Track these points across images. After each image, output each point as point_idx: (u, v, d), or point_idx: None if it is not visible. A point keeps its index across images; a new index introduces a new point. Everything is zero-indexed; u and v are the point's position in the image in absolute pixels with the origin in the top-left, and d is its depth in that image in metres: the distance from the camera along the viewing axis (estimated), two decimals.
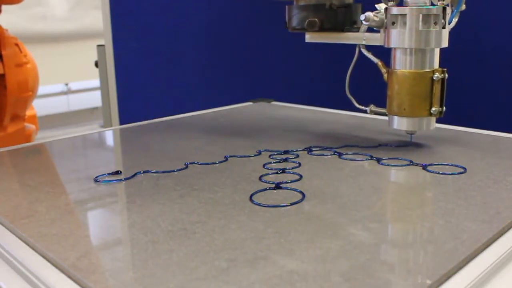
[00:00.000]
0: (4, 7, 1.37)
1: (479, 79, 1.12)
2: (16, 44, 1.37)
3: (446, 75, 0.62)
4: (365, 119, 0.85)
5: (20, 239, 0.41)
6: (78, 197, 0.50)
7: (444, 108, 0.63)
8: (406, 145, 0.67)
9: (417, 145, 0.66)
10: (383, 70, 0.66)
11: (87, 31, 3.18)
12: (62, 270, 0.36)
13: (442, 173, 0.55)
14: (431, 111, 0.62)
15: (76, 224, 0.43)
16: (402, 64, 0.62)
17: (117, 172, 0.57)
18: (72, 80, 3.36)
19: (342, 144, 0.67)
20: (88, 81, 3.28)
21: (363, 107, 0.70)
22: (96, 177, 0.55)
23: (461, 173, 0.55)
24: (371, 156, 0.62)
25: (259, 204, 0.46)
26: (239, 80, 1.35)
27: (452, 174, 0.55)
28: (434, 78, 0.61)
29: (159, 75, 1.34)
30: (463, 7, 0.63)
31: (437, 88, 0.62)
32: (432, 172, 0.55)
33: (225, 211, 0.45)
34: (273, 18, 1.33)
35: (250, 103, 1.02)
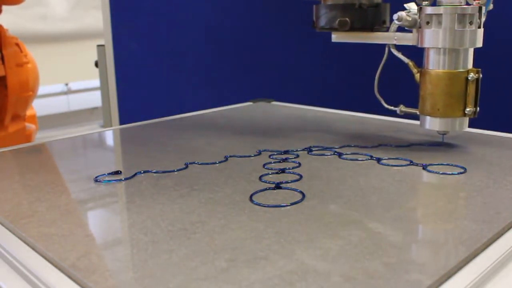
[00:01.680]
0: (4, 7, 1.37)
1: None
2: (17, 44, 1.37)
3: (481, 75, 0.62)
4: (365, 119, 0.85)
5: (20, 239, 0.41)
6: (78, 197, 0.50)
7: (478, 108, 0.62)
8: (407, 145, 0.67)
9: (417, 145, 0.66)
10: (414, 70, 0.65)
11: (87, 31, 3.18)
12: (62, 270, 0.36)
13: (442, 173, 0.55)
14: (466, 111, 0.62)
15: (76, 224, 0.43)
16: (436, 64, 0.62)
17: (117, 172, 0.57)
18: (72, 80, 3.36)
19: (342, 144, 0.67)
20: (88, 81, 3.28)
21: (392, 108, 0.69)
22: (96, 177, 0.55)
23: (461, 173, 0.55)
24: (371, 156, 0.62)
25: (259, 204, 0.46)
26: (239, 80, 1.35)
27: (452, 174, 0.55)
28: (469, 78, 0.61)
29: (159, 75, 1.34)
30: (491, 6, 0.62)
31: (471, 88, 0.61)
32: (432, 172, 0.55)
33: (225, 211, 0.45)
34: (273, 18, 1.33)
35: (250, 103, 1.02)
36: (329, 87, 1.37)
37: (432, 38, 0.61)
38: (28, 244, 0.40)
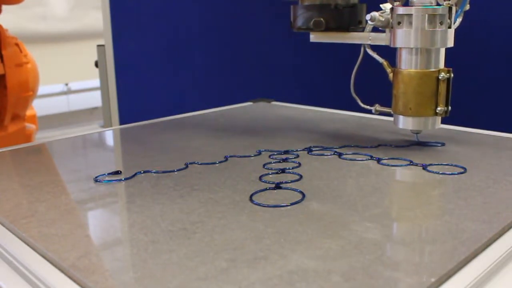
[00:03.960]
0: (4, 7, 1.36)
1: (479, 79, 1.12)
2: (16, 44, 1.37)
3: (452, 75, 0.62)
4: (365, 119, 0.85)
5: (20, 239, 0.41)
6: (78, 197, 0.50)
7: (450, 107, 0.63)
8: (406, 145, 0.67)
9: (417, 145, 0.66)
10: (388, 70, 0.66)
11: (87, 31, 3.18)
12: (62, 270, 0.36)
13: (442, 173, 0.55)
14: (437, 111, 0.63)
15: (76, 224, 0.43)
16: (408, 64, 0.63)
17: (117, 172, 0.57)
18: (72, 80, 3.36)
19: (342, 144, 0.67)
20: (88, 81, 3.28)
21: (367, 107, 0.70)
22: (96, 177, 0.55)
23: (461, 173, 0.55)
24: (371, 156, 0.61)
25: (259, 204, 0.46)
26: (239, 80, 1.35)
27: (452, 174, 0.55)
28: (440, 77, 0.62)
29: (159, 75, 1.34)
30: (467, 7, 0.63)
31: (442, 88, 0.62)
32: (432, 172, 0.55)
33: (225, 211, 0.45)
34: (273, 18, 1.33)
35: (250, 103, 1.02)
36: (329, 87, 1.37)
37: (404, 38, 0.62)
38: (28, 244, 0.40)
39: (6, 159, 0.65)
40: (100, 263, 0.36)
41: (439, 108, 0.63)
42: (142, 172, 0.57)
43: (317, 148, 0.66)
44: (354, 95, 0.71)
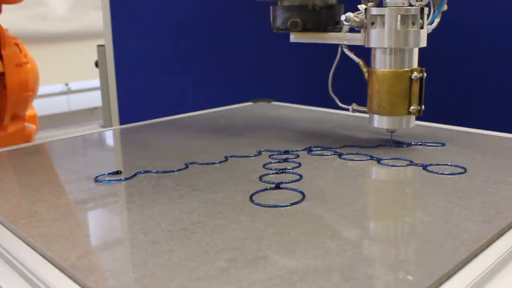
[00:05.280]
0: (4, 6, 1.36)
1: (479, 79, 1.12)
2: (16, 44, 1.37)
3: (425, 74, 0.63)
4: (365, 119, 0.85)
5: (20, 239, 0.41)
6: (78, 197, 0.50)
7: (423, 106, 0.64)
8: (406, 145, 0.67)
9: (417, 145, 0.66)
10: (364, 69, 0.67)
11: (87, 31, 3.18)
12: (62, 270, 0.36)
13: (442, 173, 0.55)
14: (410, 110, 0.63)
15: (76, 224, 0.43)
16: (381, 64, 0.63)
17: (117, 172, 0.57)
18: (72, 80, 3.36)
19: (342, 144, 0.67)
20: (88, 81, 3.28)
21: (345, 106, 0.71)
22: (96, 177, 0.55)
23: (461, 173, 0.55)
24: (371, 156, 0.62)
25: (259, 204, 0.46)
26: (239, 80, 1.35)
27: (452, 174, 0.55)
28: (413, 77, 0.62)
29: (159, 75, 1.34)
30: (445, 7, 0.64)
31: (415, 87, 0.63)
32: (432, 172, 0.55)
33: (225, 211, 0.45)
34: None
35: (250, 103, 1.02)
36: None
37: (377, 38, 0.62)
38: (28, 244, 0.40)
39: (6, 159, 0.65)
40: (100, 263, 0.36)
41: (412, 107, 0.63)
42: (142, 172, 0.57)
43: (317, 148, 0.66)
44: (332, 94, 0.72)
